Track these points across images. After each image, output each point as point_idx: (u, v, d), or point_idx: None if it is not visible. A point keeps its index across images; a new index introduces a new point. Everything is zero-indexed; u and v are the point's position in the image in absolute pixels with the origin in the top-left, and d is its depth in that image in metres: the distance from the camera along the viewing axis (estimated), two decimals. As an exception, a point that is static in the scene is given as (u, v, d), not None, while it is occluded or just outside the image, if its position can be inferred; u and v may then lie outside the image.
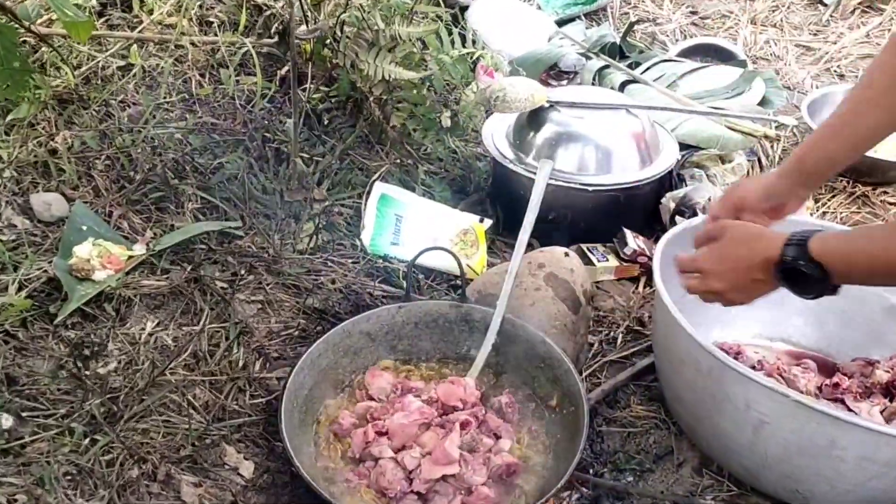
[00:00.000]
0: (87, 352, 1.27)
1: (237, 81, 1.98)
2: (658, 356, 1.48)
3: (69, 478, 1.19)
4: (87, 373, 1.29)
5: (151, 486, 1.22)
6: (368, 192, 1.94)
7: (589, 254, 1.93)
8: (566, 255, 1.69)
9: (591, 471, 1.48)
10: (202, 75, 2.01)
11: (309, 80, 1.96)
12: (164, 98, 1.91)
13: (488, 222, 2.01)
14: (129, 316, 1.49)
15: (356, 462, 1.35)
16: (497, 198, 2.10)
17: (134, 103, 1.88)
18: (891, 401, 1.49)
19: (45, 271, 1.51)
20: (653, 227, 2.11)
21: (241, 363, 1.47)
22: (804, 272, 1.06)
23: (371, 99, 1.94)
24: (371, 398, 1.46)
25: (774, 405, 1.20)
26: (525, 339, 1.50)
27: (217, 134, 1.85)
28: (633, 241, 1.92)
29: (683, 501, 1.42)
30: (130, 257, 1.58)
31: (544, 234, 1.88)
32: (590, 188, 1.89)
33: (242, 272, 1.65)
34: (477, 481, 1.28)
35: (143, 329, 1.47)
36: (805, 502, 1.31)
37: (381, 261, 1.83)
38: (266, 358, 1.50)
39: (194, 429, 1.32)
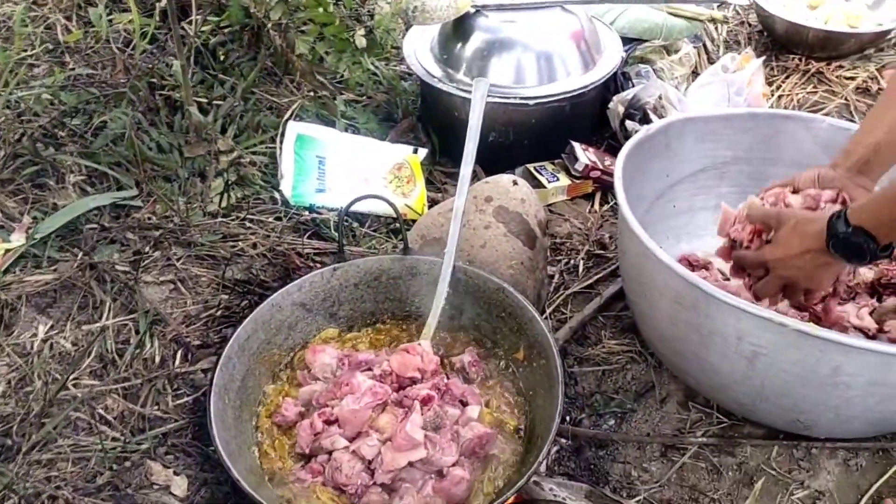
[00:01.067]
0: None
1: (110, 21, 1.68)
2: (630, 289, 1.33)
3: (-38, 537, 0.99)
4: (-36, 407, 1.07)
5: (66, 528, 1.03)
6: (282, 135, 1.70)
7: (538, 175, 1.75)
8: (514, 183, 1.49)
9: (567, 418, 1.35)
10: (67, 18, 1.71)
11: (194, 11, 1.68)
12: (24, 51, 1.61)
13: (423, 152, 1.80)
14: (14, 322, 1.26)
15: (307, 458, 1.17)
16: (429, 122, 1.88)
17: (-13, 62, 1.58)
18: (879, 300, 1.38)
19: None
20: (601, 135, 1.93)
21: (157, 359, 1.26)
22: (850, 240, 1.07)
23: (270, 25, 1.67)
24: (316, 378, 1.28)
25: (771, 336, 1.06)
26: (481, 289, 1.33)
27: (95, 87, 1.57)
28: (584, 155, 1.74)
29: (673, 442, 1.30)
30: (7, 251, 1.33)
31: (487, 160, 1.69)
32: (532, 101, 1.69)
33: (146, 249, 1.41)
34: (447, 462, 1.12)
35: (35, 336, 1.25)
36: (807, 430, 1.19)
37: (307, 213, 1.62)
38: (186, 348, 1.29)
39: (110, 449, 1.12)
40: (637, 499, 1.23)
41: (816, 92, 2.06)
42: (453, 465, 1.12)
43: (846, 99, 2.03)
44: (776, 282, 1.20)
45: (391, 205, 1.36)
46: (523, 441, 1.19)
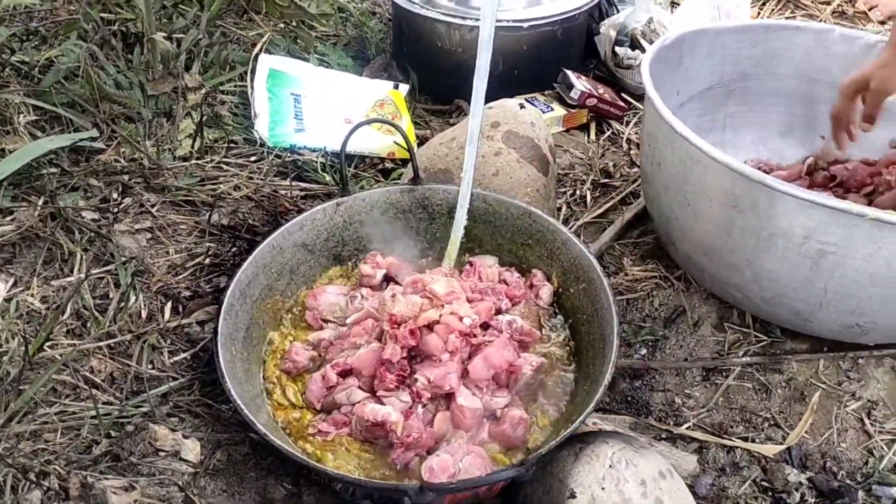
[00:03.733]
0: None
1: (44, -51, 1.48)
2: (665, 203, 1.23)
3: (-63, 526, 0.82)
4: (-73, 373, 0.89)
5: (64, 506, 0.86)
6: (253, 71, 1.53)
7: (530, 107, 1.63)
8: (521, 106, 1.38)
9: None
10: (-8, -53, 1.49)
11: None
12: (-54, -17, 1.39)
13: (405, 87, 1.66)
14: (-31, 281, 1.07)
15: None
16: (405, 57, 1.74)
17: None
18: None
19: None
20: (584, 66, 1.83)
21: (143, 314, 1.10)
22: None
23: (232, -51, 1.50)
24: (326, 321, 1.14)
25: (844, 230, 0.98)
26: (503, 215, 1.21)
27: (36, 21, 1.37)
28: (579, 83, 1.64)
29: (714, 365, 1.21)
30: (-49, 201, 1.14)
31: (471, 92, 1.56)
32: (525, 25, 1.57)
33: (115, 195, 1.24)
34: (500, 403, 1.01)
35: (-4, 294, 1.06)
36: (863, 335, 1.12)
37: (287, 154, 1.46)
38: (176, 300, 1.13)
39: (104, 414, 0.96)
40: (686, 426, 1.14)
41: (795, 16, 2.01)
42: (507, 405, 1.01)
43: (826, 23, 1.99)
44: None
45: (397, 128, 1.23)
46: (576, 371, 1.09)
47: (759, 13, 2.02)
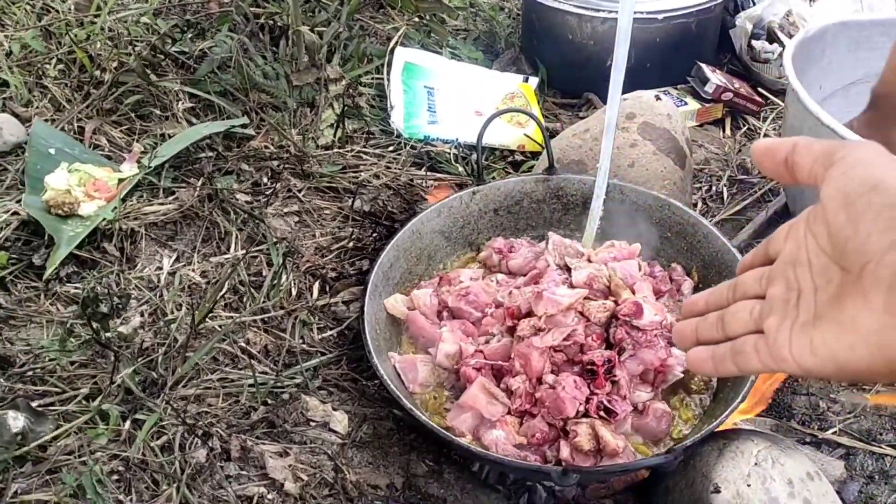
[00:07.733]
0: (103, 307, 0.93)
1: (200, -53, 1.56)
2: (806, 201, 1.17)
3: (116, 478, 0.89)
4: (109, 335, 0.96)
5: (227, 467, 0.92)
6: (389, 63, 1.58)
7: (666, 98, 1.61)
8: (657, 98, 1.37)
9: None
10: (153, -54, 1.59)
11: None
12: (113, -21, 1.50)
13: (535, 80, 1.67)
14: (137, 255, 1.15)
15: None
16: (535, 51, 1.75)
17: (76, -10, 1.47)
18: None
19: (16, 213, 1.15)
20: (719, 58, 1.79)
21: (294, 291, 1.15)
22: None
23: (372, -55, 1.55)
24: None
25: None
26: (640, 207, 1.21)
27: (191, 14, 1.45)
28: (714, 76, 1.60)
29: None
30: (121, 180, 1.22)
31: (605, 87, 1.56)
32: (660, 16, 1.55)
33: (265, 180, 1.30)
34: (643, 398, 1.00)
35: (161, 268, 1.14)
36: None
37: (421, 145, 1.50)
38: (323, 280, 1.18)
39: (261, 383, 1.01)
40: (831, 430, 1.10)
41: None
42: (651, 398, 1.00)
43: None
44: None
45: (533, 117, 1.24)
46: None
47: (905, 6, 1.92)
